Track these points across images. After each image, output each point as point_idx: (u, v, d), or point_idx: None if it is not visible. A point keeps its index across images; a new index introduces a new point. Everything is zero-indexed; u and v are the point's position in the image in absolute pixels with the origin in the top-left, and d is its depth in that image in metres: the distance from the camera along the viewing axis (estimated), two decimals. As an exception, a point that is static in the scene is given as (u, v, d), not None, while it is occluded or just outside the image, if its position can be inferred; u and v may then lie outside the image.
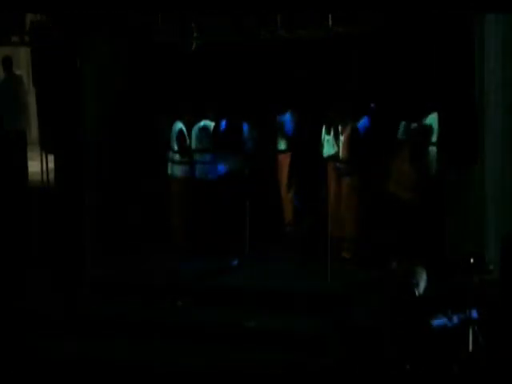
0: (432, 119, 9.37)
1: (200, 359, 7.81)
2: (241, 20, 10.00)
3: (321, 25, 9.80)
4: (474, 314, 7.10)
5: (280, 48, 10.29)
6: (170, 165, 10.43)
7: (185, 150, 10.33)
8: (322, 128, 10.01)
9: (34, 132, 12.93)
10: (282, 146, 10.52)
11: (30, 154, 11.85)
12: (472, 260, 7.43)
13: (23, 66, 13.10)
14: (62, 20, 9.91)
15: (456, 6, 8.30)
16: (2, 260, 9.77)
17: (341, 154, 9.78)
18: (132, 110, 10.51)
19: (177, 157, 10.37)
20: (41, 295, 9.19)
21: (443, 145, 8.83)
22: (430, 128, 9.38)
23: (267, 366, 7.59)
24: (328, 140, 9.92)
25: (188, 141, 10.37)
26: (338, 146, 9.81)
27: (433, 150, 9.38)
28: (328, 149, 9.96)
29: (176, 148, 10.34)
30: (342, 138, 9.77)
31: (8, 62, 12.30)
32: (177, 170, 10.38)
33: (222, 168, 10.11)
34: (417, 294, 7.14)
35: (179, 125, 10.36)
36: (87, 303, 9.04)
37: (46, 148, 10.47)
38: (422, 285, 7.17)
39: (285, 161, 10.47)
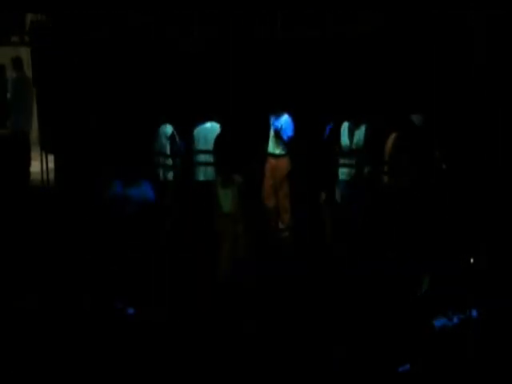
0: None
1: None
2: (240, 20, 10.03)
3: (321, 25, 9.82)
4: (474, 313, 7.11)
5: (280, 48, 10.28)
6: (162, 170, 10.24)
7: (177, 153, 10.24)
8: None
9: (34, 132, 12.98)
10: (277, 150, 10.26)
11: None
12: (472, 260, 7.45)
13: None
14: (62, 20, 9.92)
15: (456, 6, 8.32)
16: (1, 260, 9.77)
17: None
18: (133, 111, 10.49)
19: (168, 161, 10.27)
20: (41, 295, 9.18)
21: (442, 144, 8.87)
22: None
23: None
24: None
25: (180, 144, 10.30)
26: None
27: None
28: None
29: (168, 152, 10.22)
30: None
31: (18, 63, 12.35)
32: (170, 175, 10.24)
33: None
34: (418, 294, 7.16)
35: (169, 128, 10.23)
36: (87, 303, 9.03)
37: (46, 148, 10.49)
38: (424, 285, 7.19)
39: (280, 165, 10.31)
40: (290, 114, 10.22)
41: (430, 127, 9.54)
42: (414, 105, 9.69)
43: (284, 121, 10.20)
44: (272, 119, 10.25)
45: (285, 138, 10.13)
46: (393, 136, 9.51)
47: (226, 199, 8.91)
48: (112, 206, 9.46)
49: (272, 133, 10.24)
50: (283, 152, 10.23)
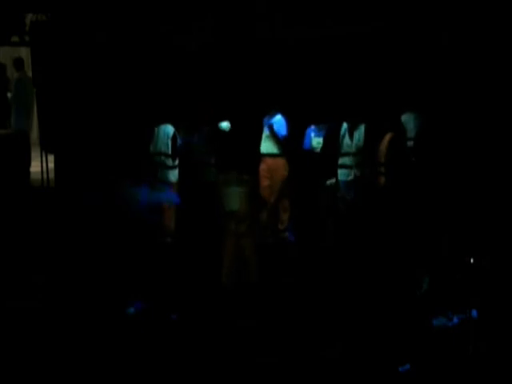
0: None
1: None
2: (238, 20, 10.03)
3: (320, 25, 9.82)
4: (474, 313, 7.12)
5: (279, 48, 10.27)
6: (161, 170, 10.07)
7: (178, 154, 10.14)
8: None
9: (34, 132, 12.98)
10: (274, 150, 10.20)
11: (30, 154, 11.89)
12: (472, 260, 7.45)
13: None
14: (62, 20, 9.92)
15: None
16: (1, 259, 9.77)
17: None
18: (133, 111, 10.46)
19: (170, 161, 10.17)
20: (41, 295, 9.18)
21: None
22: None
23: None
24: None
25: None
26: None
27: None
28: None
29: (169, 152, 10.14)
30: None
31: (19, 63, 12.38)
32: (171, 176, 10.14)
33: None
34: (418, 294, 7.17)
35: (170, 128, 10.18)
36: (86, 302, 9.03)
37: (46, 148, 10.49)
38: (424, 285, 7.20)
39: (279, 165, 10.26)
40: (284, 114, 10.17)
41: (428, 128, 9.60)
42: (409, 105, 9.74)
43: (277, 120, 10.17)
44: (265, 119, 10.22)
45: (279, 137, 10.13)
46: (387, 137, 9.52)
47: (232, 198, 8.84)
48: (141, 211, 9.32)
49: (266, 132, 10.20)
50: (280, 152, 10.22)
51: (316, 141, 10.04)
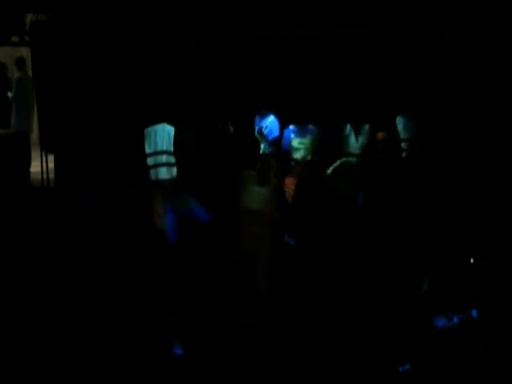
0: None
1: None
2: (238, 20, 10.05)
3: (320, 25, 9.83)
4: (474, 313, 7.12)
5: (279, 48, 10.28)
6: (156, 169, 10.16)
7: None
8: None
9: (34, 132, 13.00)
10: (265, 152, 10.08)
11: (30, 154, 11.90)
12: (472, 260, 7.45)
13: (23, 66, 13.13)
14: (62, 20, 9.93)
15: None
16: (1, 259, 9.78)
17: None
18: (133, 111, 10.46)
19: (172, 159, 10.12)
20: (41, 295, 9.19)
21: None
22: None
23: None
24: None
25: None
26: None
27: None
28: None
29: (172, 150, 10.09)
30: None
31: (21, 63, 12.40)
32: (164, 173, 10.09)
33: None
34: (418, 294, 7.17)
35: (170, 127, 10.13)
36: (87, 302, 9.04)
37: (46, 148, 10.50)
38: (424, 285, 7.20)
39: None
40: (277, 115, 10.14)
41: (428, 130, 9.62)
42: (406, 105, 9.75)
43: (270, 121, 10.16)
44: (257, 120, 10.20)
45: (270, 138, 10.10)
46: (380, 136, 9.52)
47: (253, 197, 8.53)
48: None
49: (256, 134, 10.18)
50: (271, 154, 10.16)
51: (297, 141, 9.98)
